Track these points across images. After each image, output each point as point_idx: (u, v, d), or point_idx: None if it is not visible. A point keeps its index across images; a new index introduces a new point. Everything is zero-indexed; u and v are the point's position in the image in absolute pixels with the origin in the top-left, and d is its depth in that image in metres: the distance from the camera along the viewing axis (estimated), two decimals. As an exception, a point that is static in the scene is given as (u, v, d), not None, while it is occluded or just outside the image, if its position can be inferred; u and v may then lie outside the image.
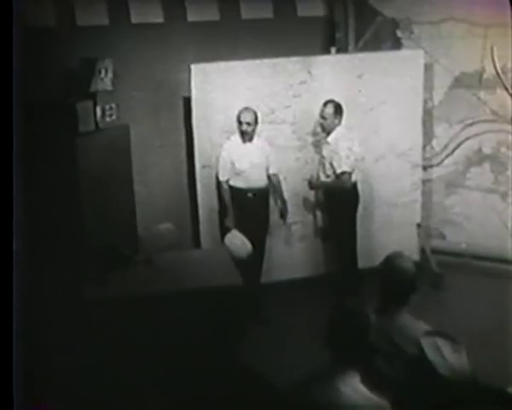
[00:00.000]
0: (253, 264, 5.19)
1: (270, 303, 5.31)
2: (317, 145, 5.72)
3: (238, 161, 5.30)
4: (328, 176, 5.42)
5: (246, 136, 5.28)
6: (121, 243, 4.57)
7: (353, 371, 2.48)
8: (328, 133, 5.39)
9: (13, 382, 2.07)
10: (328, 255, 5.91)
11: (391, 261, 3.07)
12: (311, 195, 5.83)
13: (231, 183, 5.39)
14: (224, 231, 5.41)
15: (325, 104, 5.36)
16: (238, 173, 5.32)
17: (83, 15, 5.29)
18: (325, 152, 5.43)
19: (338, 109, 5.34)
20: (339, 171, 5.30)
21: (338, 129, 5.36)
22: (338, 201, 5.44)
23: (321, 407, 2.44)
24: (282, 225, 5.81)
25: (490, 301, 5.33)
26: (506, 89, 5.75)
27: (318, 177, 5.55)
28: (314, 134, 5.75)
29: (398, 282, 2.99)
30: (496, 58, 5.74)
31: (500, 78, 5.77)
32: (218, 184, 5.47)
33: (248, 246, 5.11)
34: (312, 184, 5.60)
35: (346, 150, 5.28)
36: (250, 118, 5.23)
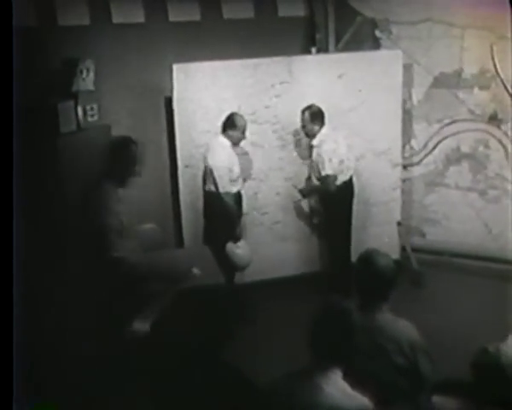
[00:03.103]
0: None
1: (254, 302, 5.32)
2: (302, 147, 5.78)
3: (233, 167, 5.22)
4: (318, 179, 5.48)
5: (236, 141, 5.26)
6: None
7: (335, 368, 2.50)
8: (314, 136, 5.42)
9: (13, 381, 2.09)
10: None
11: (367, 258, 3.08)
12: (296, 194, 5.86)
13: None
14: (232, 239, 5.29)
15: (303, 112, 5.39)
16: (234, 180, 5.24)
17: (64, 15, 5.26)
18: (313, 155, 5.48)
19: (316, 115, 5.36)
20: (323, 174, 5.35)
21: (323, 131, 5.38)
22: (332, 198, 5.48)
23: (303, 405, 2.46)
24: (264, 224, 5.86)
25: (469, 298, 5.41)
26: (505, 87, 5.79)
27: (310, 178, 5.63)
28: (295, 135, 5.78)
29: (376, 279, 2.98)
30: (496, 57, 5.77)
31: (499, 76, 5.81)
32: (215, 196, 5.20)
33: (251, 256, 5.13)
34: (304, 192, 5.66)
35: (329, 153, 5.31)
36: (242, 124, 5.21)
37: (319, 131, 5.38)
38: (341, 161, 5.42)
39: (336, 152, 5.37)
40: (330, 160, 5.31)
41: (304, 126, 5.43)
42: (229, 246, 5.20)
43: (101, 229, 3.65)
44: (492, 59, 5.79)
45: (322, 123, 5.38)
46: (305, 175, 5.79)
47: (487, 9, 5.51)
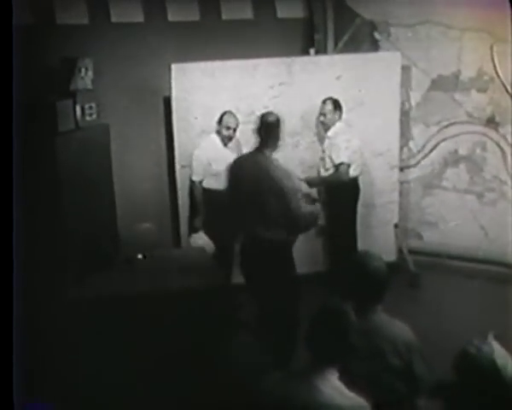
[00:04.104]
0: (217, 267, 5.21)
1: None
2: (319, 140, 5.81)
3: (215, 162, 5.26)
4: (327, 169, 5.53)
5: (226, 139, 5.30)
6: (102, 243, 4.58)
7: (332, 369, 2.51)
8: (328, 129, 5.52)
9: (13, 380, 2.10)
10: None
11: (359, 260, 3.07)
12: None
13: (204, 184, 5.39)
14: (191, 230, 5.44)
15: (324, 102, 5.50)
16: (214, 175, 5.27)
17: (62, 14, 5.26)
18: (325, 146, 5.56)
19: (338, 105, 5.49)
20: (337, 162, 5.40)
21: (337, 124, 5.50)
22: (338, 195, 5.51)
23: (300, 405, 2.47)
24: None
25: (465, 300, 5.42)
26: (505, 88, 5.80)
27: (319, 172, 5.66)
28: (293, 136, 5.78)
29: (368, 280, 2.97)
30: (496, 57, 5.79)
31: (499, 76, 5.82)
32: (191, 183, 5.46)
33: (211, 249, 5.13)
34: (311, 182, 5.66)
35: (344, 142, 5.41)
36: (233, 123, 5.26)
37: (335, 124, 5.47)
38: (355, 152, 5.48)
39: (351, 142, 5.45)
40: (346, 148, 5.41)
41: (325, 116, 5.50)
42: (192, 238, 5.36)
43: (287, 190, 4.13)
44: (492, 59, 5.81)
45: (340, 115, 5.50)
46: (303, 176, 5.79)
47: (486, 11, 5.52)
